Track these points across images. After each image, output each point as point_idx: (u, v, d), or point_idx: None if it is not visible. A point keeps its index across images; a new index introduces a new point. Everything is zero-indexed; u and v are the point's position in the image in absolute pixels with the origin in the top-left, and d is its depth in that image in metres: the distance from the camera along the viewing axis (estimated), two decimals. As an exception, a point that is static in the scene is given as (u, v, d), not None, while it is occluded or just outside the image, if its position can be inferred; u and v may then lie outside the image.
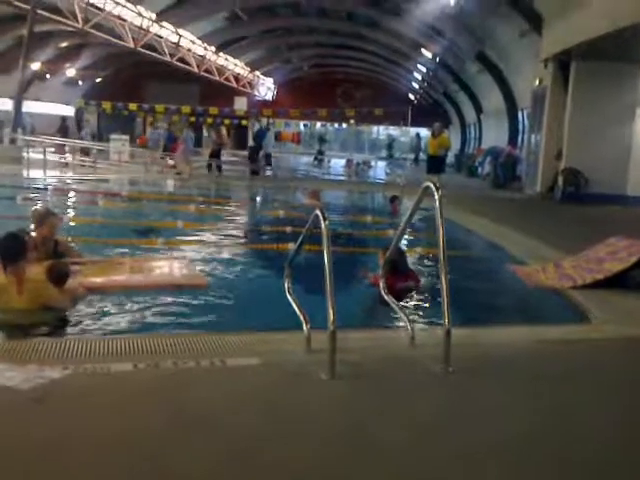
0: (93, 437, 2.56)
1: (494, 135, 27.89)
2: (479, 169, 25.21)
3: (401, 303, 4.85)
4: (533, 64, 18.04)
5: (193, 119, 35.22)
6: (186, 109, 34.82)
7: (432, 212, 3.71)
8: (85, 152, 22.67)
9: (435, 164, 15.95)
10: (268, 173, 21.84)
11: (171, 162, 21.67)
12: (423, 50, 30.55)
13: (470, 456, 2.56)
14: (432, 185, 3.76)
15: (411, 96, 45.67)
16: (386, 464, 2.47)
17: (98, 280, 5.70)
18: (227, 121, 40.27)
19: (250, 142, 21.55)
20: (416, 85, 42.66)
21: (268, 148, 22.54)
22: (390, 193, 13.20)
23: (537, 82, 17.50)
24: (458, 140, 36.25)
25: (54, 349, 3.57)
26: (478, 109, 32.29)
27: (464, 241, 9.06)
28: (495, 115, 28.00)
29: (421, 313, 5.32)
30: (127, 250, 7.35)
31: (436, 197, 3.63)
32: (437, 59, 31.22)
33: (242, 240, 9.37)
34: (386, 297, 4.41)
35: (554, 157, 16.13)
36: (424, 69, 35.79)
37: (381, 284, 4.47)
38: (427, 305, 5.54)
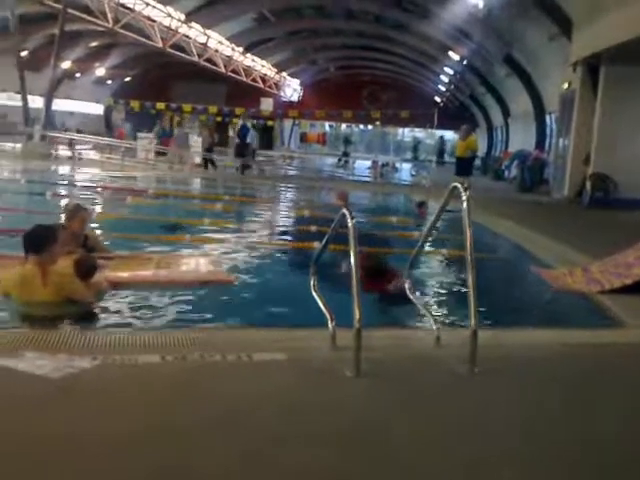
0: (119, 427, 2.59)
1: (521, 139, 27.64)
2: (505, 172, 25.00)
3: (425, 301, 4.84)
4: (562, 68, 17.85)
5: (220, 119, 35.45)
6: (213, 109, 35.06)
7: (458, 214, 3.70)
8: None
9: (463, 166, 15.94)
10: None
11: (197, 160, 22.04)
12: (450, 53, 30.42)
13: (488, 460, 2.53)
14: (460, 186, 3.75)
15: (437, 99, 45.48)
16: (405, 464, 2.46)
17: (125, 275, 5.77)
18: (254, 121, 40.47)
19: (236, 140, 22.12)
20: (443, 88, 42.47)
21: (253, 144, 22.95)
22: (416, 196, 13.17)
23: (566, 86, 17.31)
24: (485, 143, 36.01)
25: (83, 340, 3.63)
26: (505, 112, 32.04)
27: (491, 244, 9.00)
28: (523, 118, 27.75)
29: (446, 314, 5.31)
30: (154, 246, 7.43)
31: (464, 198, 3.62)
32: (464, 62, 31.07)
33: (267, 237, 9.41)
34: (412, 297, 4.40)
35: (582, 161, 15.93)
36: (451, 72, 35.63)
37: (407, 285, 4.46)
38: (452, 306, 5.52)
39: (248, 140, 22.00)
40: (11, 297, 4.69)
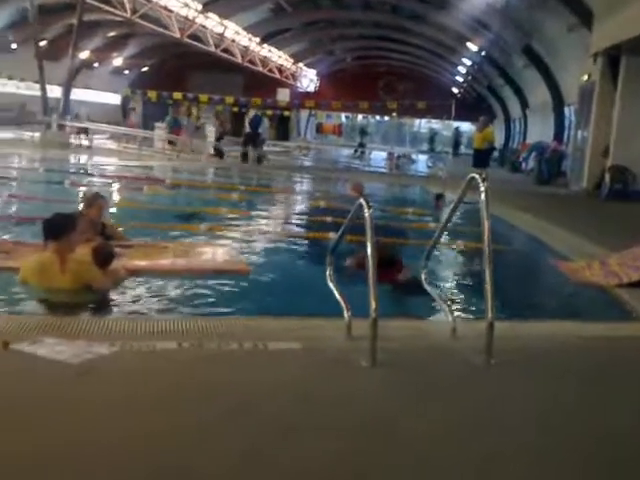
0: (137, 411, 2.63)
1: (539, 130, 27.40)
2: (523, 164, 24.82)
3: (441, 292, 4.83)
4: (581, 59, 17.65)
5: (236, 109, 35.47)
6: (229, 99, 35.03)
7: (474, 206, 3.68)
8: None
9: (480, 158, 15.85)
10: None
11: (210, 152, 22.24)
12: (468, 44, 30.15)
13: (503, 453, 2.52)
14: (477, 177, 3.73)
15: (455, 90, 45.13)
16: (420, 455, 2.46)
17: (142, 263, 5.81)
18: (270, 112, 40.44)
19: (247, 129, 22.35)
20: (460, 79, 42.14)
21: (263, 134, 23.21)
22: (434, 188, 13.10)
23: (585, 77, 17.12)
24: (502, 135, 35.72)
25: (101, 327, 3.67)
26: (524, 104, 31.74)
27: (507, 236, 8.95)
28: (541, 110, 27.49)
29: (462, 305, 5.29)
30: (171, 235, 7.47)
31: (482, 189, 3.60)
32: (482, 53, 30.77)
33: (283, 227, 9.43)
34: (428, 288, 4.40)
35: (601, 154, 15.77)
36: (469, 63, 35.32)
37: (423, 275, 4.45)
38: (468, 298, 5.50)
39: (260, 130, 22.19)
40: (30, 284, 4.74)
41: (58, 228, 4.78)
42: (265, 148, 23.69)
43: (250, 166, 20.03)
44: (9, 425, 2.45)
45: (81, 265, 4.83)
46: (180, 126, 25.99)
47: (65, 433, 2.42)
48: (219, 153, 21.94)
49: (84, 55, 33.91)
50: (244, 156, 21.27)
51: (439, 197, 11.82)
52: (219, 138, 22.84)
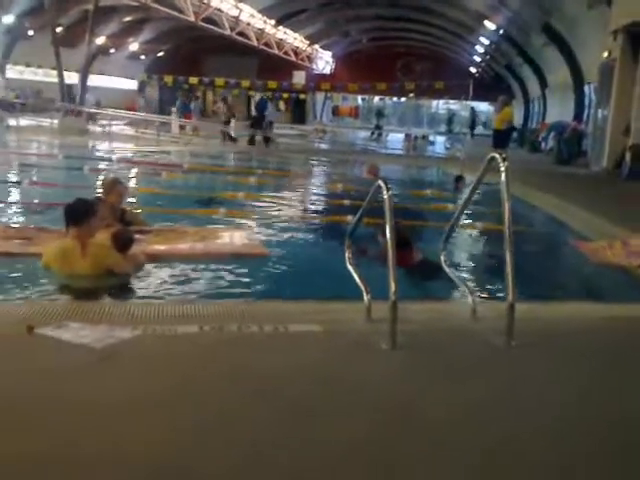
0: (159, 395, 2.66)
1: (559, 110, 27.05)
2: (542, 144, 24.53)
3: (460, 274, 4.81)
4: (601, 36, 17.32)
5: (252, 92, 35.40)
6: (245, 83, 34.96)
7: (493, 187, 3.65)
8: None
9: (500, 138, 15.63)
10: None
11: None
12: (486, 22, 29.73)
13: (519, 436, 2.51)
14: (498, 157, 3.70)
15: (473, 69, 44.61)
16: (439, 437, 2.47)
17: (162, 248, 5.85)
18: (286, 95, 40.30)
19: (253, 112, 22.58)
20: (478, 58, 41.64)
21: (270, 117, 23.20)
22: (452, 170, 13.00)
23: (605, 55, 16.81)
24: (521, 115, 35.28)
25: (123, 311, 3.71)
26: (543, 83, 31.31)
27: (527, 216, 8.89)
28: (560, 89, 27.11)
29: (482, 287, 5.27)
30: (189, 220, 7.51)
31: (502, 169, 3.56)
32: (501, 31, 30.35)
33: (301, 211, 9.43)
34: (447, 270, 4.38)
35: (622, 133, 15.52)
36: (487, 42, 34.87)
37: (442, 256, 4.44)
38: (488, 279, 5.48)
39: (266, 113, 22.31)
40: (52, 269, 4.80)
41: (79, 214, 4.83)
42: (281, 131, 23.71)
43: (257, 149, 20.04)
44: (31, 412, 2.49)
45: (102, 250, 4.88)
46: (190, 110, 26.37)
47: (85, 422, 2.46)
48: (229, 137, 22.06)
49: (100, 41, 33.98)
50: (251, 139, 21.43)
51: (459, 179, 11.73)
52: (226, 122, 22.94)
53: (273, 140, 21.60)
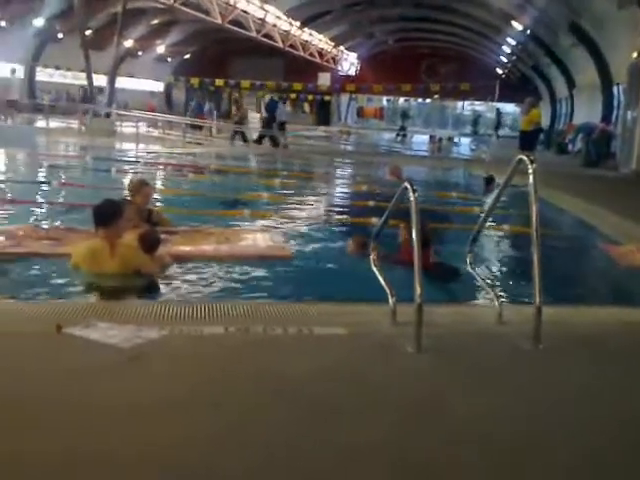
0: (185, 396, 2.67)
1: (586, 111, 26.69)
2: (570, 146, 24.23)
3: (486, 277, 4.77)
4: (631, 37, 17.08)
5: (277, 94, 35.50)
6: (271, 85, 35.12)
7: (519, 189, 3.61)
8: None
9: (527, 140, 15.45)
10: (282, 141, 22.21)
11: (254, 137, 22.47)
12: (513, 22, 29.46)
13: (545, 438, 2.49)
14: (526, 159, 3.66)
15: (499, 70, 44.23)
16: (464, 439, 2.46)
17: (187, 249, 5.90)
18: (310, 96, 40.38)
19: (263, 113, 22.66)
20: (504, 59, 41.27)
21: (282, 117, 23.06)
22: (477, 172, 12.89)
23: (635, 55, 16.57)
24: (548, 116, 34.89)
25: (150, 311, 3.74)
26: (570, 84, 30.92)
27: (554, 220, 8.79)
28: (588, 90, 26.75)
29: (508, 290, 5.22)
30: (214, 221, 7.54)
31: (530, 171, 3.53)
32: (528, 32, 30.03)
33: (325, 212, 9.44)
34: (474, 273, 4.35)
35: (652, 134, 15.30)
36: (513, 42, 34.53)
37: (468, 259, 4.40)
38: (514, 282, 5.43)
39: (278, 113, 22.43)
40: (81, 269, 4.87)
41: (107, 215, 4.89)
42: (306, 133, 23.73)
43: (280, 150, 20.11)
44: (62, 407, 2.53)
45: (130, 250, 4.94)
46: (203, 112, 26.53)
47: (111, 422, 2.48)
48: (242, 138, 22.20)
49: (128, 44, 34.38)
50: (259, 139, 21.62)
51: (489, 181, 11.50)
52: (238, 123, 23.09)
53: (281, 140, 21.64)
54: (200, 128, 23.98)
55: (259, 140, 21.51)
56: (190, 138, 21.20)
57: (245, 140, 22.10)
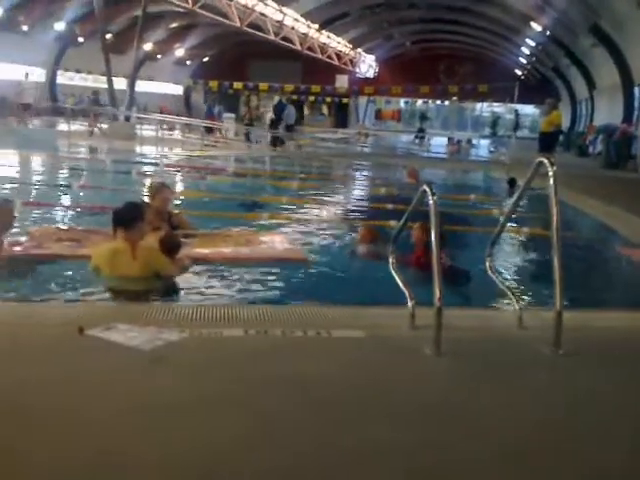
0: (204, 398, 2.69)
1: (607, 112, 26.43)
2: (590, 148, 24.01)
3: (506, 280, 4.73)
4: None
5: (296, 97, 35.62)
6: (289, 87, 35.22)
7: (538, 192, 3.59)
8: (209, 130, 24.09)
9: (546, 142, 15.34)
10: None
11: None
12: (532, 23, 29.25)
13: (564, 444, 2.47)
14: (546, 161, 3.64)
15: (518, 72, 43.92)
16: (483, 444, 2.45)
17: (206, 252, 5.93)
18: (328, 99, 40.40)
19: (271, 115, 22.79)
20: (523, 60, 40.97)
21: (289, 120, 23.08)
22: (496, 175, 12.80)
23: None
24: (568, 117, 34.59)
25: (170, 314, 3.77)
26: (591, 85, 30.63)
27: (575, 222, 8.72)
28: (609, 91, 26.49)
29: (528, 294, 5.18)
30: (232, 223, 7.58)
31: (551, 174, 3.51)
32: (547, 33, 29.80)
33: (343, 215, 9.44)
34: (493, 277, 4.32)
35: (674, 136, 15.11)
36: (533, 43, 34.29)
37: (487, 262, 4.38)
38: (534, 286, 5.39)
39: (285, 115, 22.53)
40: (102, 272, 4.91)
41: (127, 217, 4.93)
42: (323, 135, 23.76)
43: (297, 153, 20.17)
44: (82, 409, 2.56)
45: (151, 253, 4.98)
46: (213, 114, 26.57)
47: (133, 423, 2.51)
48: (248, 139, 22.38)
49: (148, 47, 34.64)
50: (273, 141, 21.69)
51: (512, 183, 11.38)
52: (248, 124, 23.23)
53: (284, 142, 21.72)
54: (212, 130, 24.14)
55: (273, 142, 21.61)
56: (207, 141, 21.31)
57: (253, 141, 22.17)
